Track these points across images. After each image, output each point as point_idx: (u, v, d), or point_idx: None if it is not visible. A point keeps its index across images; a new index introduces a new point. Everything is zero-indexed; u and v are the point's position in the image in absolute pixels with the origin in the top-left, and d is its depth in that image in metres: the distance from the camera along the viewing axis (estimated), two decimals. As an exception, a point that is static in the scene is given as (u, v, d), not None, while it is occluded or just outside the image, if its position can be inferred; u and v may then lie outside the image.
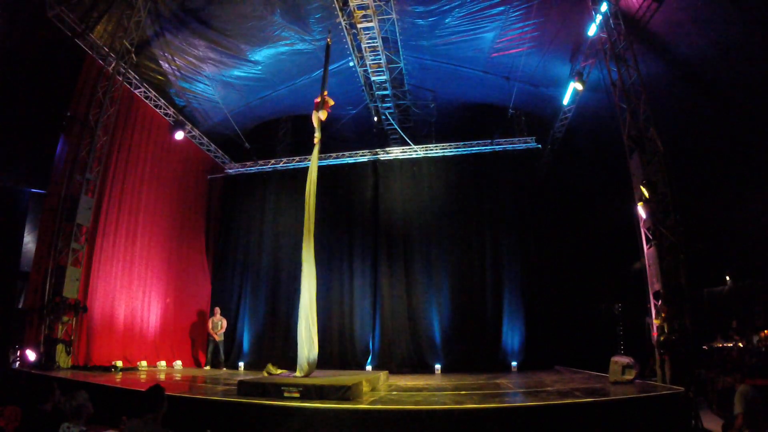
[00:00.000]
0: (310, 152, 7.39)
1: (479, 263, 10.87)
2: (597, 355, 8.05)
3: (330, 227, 11.41)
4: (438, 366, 10.12)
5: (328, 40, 7.78)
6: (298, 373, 6.18)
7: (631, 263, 9.18)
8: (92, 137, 8.38)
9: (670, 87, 8.38)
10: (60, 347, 7.55)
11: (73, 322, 7.89)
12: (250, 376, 7.31)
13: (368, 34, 8.91)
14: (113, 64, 8.69)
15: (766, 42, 6.89)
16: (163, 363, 9.97)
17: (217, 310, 10.85)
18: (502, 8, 8.26)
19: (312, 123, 7.31)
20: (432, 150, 11.71)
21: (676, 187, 6.93)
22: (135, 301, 9.65)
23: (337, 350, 10.87)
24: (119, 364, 8.41)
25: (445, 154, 11.65)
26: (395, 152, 11.83)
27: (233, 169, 12.69)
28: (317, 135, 7.18)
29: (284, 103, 11.58)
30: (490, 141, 11.23)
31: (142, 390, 3.46)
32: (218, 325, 10.57)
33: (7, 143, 9.36)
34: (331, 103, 7.37)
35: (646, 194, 6.93)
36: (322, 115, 7.16)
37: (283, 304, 11.34)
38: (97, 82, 8.58)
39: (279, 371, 6.96)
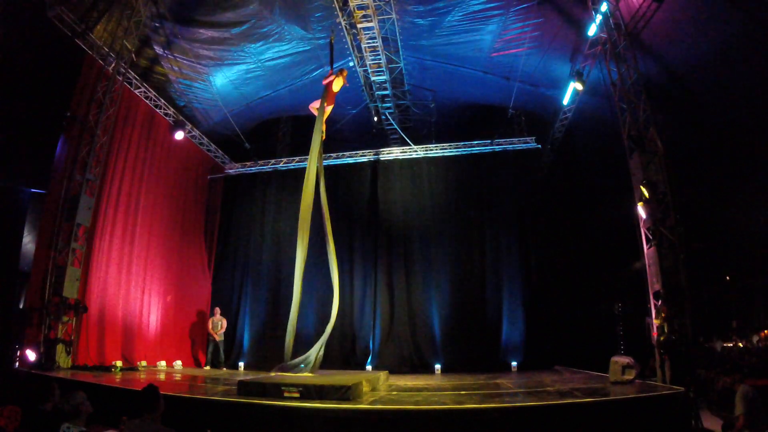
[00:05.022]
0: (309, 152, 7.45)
1: (479, 263, 10.87)
2: (597, 355, 8.03)
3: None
4: (438, 366, 10.10)
5: (332, 38, 7.91)
6: (306, 372, 6.29)
7: (631, 263, 9.17)
8: (92, 137, 8.37)
9: (670, 87, 8.38)
10: (60, 347, 7.54)
11: (73, 322, 7.88)
12: (250, 376, 7.30)
13: (368, 34, 8.91)
14: (113, 64, 8.68)
15: (766, 42, 6.89)
16: (163, 363, 9.97)
17: (217, 310, 10.84)
18: (502, 8, 8.26)
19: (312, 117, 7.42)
20: (432, 150, 11.70)
21: (676, 187, 6.94)
22: (135, 300, 9.64)
23: (337, 350, 10.84)
24: (119, 364, 8.42)
25: (445, 154, 11.64)
26: (395, 152, 11.83)
27: (233, 169, 12.69)
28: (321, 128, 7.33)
29: (284, 103, 11.58)
30: (490, 141, 11.22)
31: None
32: (218, 325, 10.57)
33: (7, 143, 9.34)
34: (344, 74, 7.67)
35: (646, 194, 6.93)
36: (337, 84, 7.52)
37: (283, 304, 11.29)
38: (97, 82, 8.57)
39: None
